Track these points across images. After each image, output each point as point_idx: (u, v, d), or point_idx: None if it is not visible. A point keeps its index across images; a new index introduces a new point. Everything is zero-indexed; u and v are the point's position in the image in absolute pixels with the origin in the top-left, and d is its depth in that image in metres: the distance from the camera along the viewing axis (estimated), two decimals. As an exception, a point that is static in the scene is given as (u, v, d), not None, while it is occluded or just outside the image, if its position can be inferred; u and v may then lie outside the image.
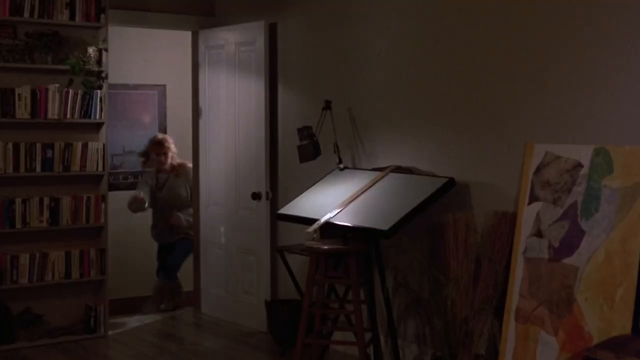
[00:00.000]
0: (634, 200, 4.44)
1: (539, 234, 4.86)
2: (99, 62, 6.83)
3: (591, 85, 4.74)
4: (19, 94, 6.53)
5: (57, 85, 6.68)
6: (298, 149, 6.14)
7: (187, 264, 8.00)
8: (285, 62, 7.01)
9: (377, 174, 5.78)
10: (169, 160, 7.96)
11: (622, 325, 4.37)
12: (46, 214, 6.67)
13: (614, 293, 4.44)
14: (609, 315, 4.44)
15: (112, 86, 7.26)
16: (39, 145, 6.62)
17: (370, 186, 5.64)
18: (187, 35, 7.87)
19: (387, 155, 6.02)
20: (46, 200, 6.67)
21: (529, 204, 4.94)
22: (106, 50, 6.85)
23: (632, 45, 4.53)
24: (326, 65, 6.58)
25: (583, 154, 4.72)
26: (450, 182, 5.38)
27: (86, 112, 6.78)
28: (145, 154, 8.02)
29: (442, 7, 5.64)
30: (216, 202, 7.59)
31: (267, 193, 7.01)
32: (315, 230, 5.47)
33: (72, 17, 6.71)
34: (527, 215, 4.93)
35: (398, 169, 5.78)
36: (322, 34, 6.62)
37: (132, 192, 7.95)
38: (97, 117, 6.83)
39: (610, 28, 4.64)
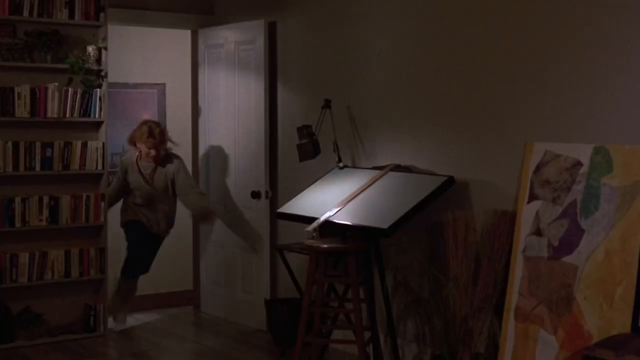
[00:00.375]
0: (633, 198, 4.45)
1: (538, 232, 4.86)
2: (98, 60, 6.83)
3: (591, 85, 4.75)
4: (19, 93, 6.52)
5: (56, 84, 6.68)
6: (298, 148, 6.14)
7: (187, 264, 8.01)
8: (285, 61, 7.01)
9: (377, 172, 5.78)
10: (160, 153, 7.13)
11: (622, 324, 4.38)
12: (46, 212, 6.67)
13: (614, 292, 4.45)
14: (609, 313, 4.45)
15: (111, 85, 7.25)
16: (38, 144, 6.62)
17: (370, 185, 5.64)
18: (186, 34, 7.88)
19: (386, 154, 6.03)
20: (46, 199, 6.66)
21: (529, 202, 4.95)
22: (105, 49, 6.85)
23: (632, 45, 4.53)
24: (326, 64, 6.58)
25: (583, 152, 4.72)
26: (450, 181, 5.39)
27: (85, 111, 6.78)
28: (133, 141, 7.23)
29: (442, 7, 5.64)
30: (216, 200, 7.58)
31: (266, 192, 7.02)
32: (314, 229, 5.48)
33: (71, 15, 6.70)
34: (527, 213, 4.94)
35: (397, 168, 5.78)
36: (322, 33, 6.62)
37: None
38: (97, 116, 6.83)
39: (610, 28, 4.64)
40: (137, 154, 7.18)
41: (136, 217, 7.17)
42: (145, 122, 7.21)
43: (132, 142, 7.18)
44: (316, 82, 6.68)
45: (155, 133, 7.10)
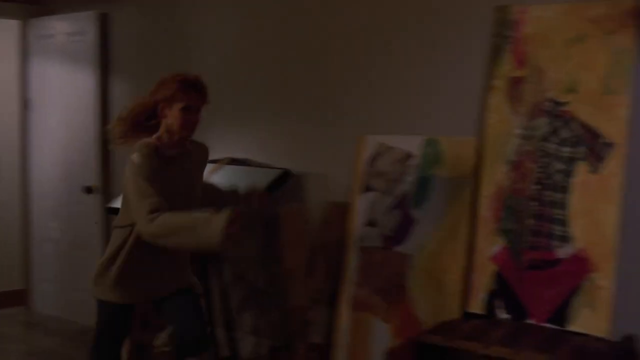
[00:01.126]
0: (462, 189, 4.59)
1: (372, 223, 4.95)
2: None
3: (422, 79, 4.87)
4: None
5: None
6: (132, 142, 6.03)
7: (13, 262, 7.74)
8: (118, 54, 6.87)
9: (212, 166, 5.74)
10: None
11: (452, 310, 4.52)
12: None
13: (444, 279, 4.58)
14: (439, 301, 4.58)
15: None
16: None
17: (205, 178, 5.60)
18: (14, 24, 7.59)
19: (221, 147, 6.00)
20: None
21: (363, 193, 5.03)
22: None
23: (460, 43, 4.68)
24: (159, 56, 6.49)
25: (414, 144, 4.84)
26: (286, 174, 5.42)
27: None
28: (154, 108, 4.28)
29: None
30: (47, 196, 7.37)
31: (98, 186, 6.87)
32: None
33: None
34: (361, 205, 5.02)
35: (233, 161, 5.76)
36: (154, 24, 6.53)
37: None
38: None
39: (441, 27, 4.78)
40: (152, 141, 4.20)
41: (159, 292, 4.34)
42: (175, 74, 4.34)
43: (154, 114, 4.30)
44: (150, 74, 6.53)
45: (195, 79, 4.35)
